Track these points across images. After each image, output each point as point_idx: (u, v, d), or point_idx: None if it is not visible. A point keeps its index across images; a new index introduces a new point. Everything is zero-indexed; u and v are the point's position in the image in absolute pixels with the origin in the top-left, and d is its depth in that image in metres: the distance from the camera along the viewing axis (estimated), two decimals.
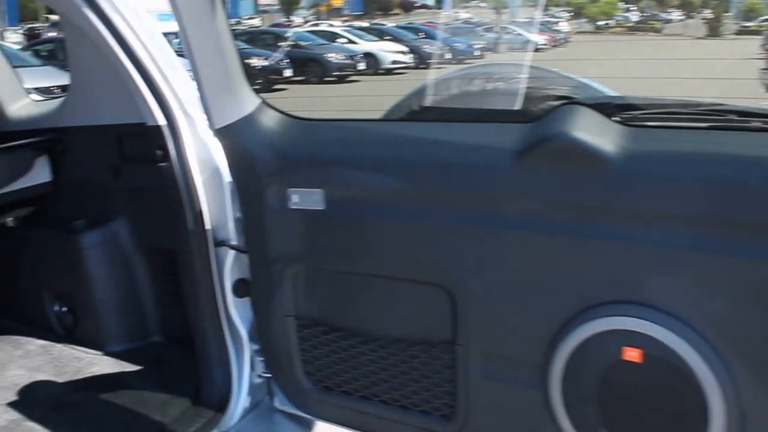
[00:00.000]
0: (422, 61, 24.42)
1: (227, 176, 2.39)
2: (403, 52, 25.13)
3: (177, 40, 2.67)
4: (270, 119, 2.20)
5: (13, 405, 2.71)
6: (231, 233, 2.44)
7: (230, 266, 2.48)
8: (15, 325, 3.40)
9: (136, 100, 2.49)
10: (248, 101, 2.19)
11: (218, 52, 2.11)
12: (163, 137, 2.48)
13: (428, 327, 2.09)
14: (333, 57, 22.54)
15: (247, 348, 2.55)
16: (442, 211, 1.96)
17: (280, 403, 2.55)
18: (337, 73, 22.22)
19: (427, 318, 2.09)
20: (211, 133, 2.31)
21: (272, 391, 2.58)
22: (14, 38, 30.83)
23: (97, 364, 3.00)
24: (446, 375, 2.09)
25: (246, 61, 14.40)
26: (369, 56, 24.15)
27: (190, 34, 2.09)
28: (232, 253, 2.46)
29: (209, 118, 2.20)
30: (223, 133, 2.21)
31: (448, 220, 1.96)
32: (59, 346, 3.17)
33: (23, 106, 3.34)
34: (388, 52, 25.05)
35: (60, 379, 2.89)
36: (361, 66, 23.41)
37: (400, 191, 2.02)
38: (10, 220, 3.50)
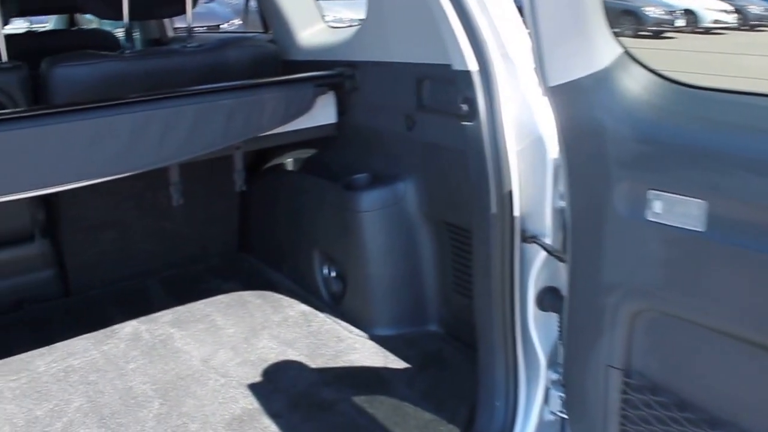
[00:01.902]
0: (745, 22, 22.07)
1: (553, 151, 1.75)
2: (726, 11, 22.73)
3: None
4: (634, 80, 1.47)
5: (254, 388, 2.31)
6: (546, 228, 1.82)
7: (538, 270, 1.89)
8: (282, 282, 3.04)
9: (443, 35, 1.90)
10: (605, 51, 1.48)
11: None
12: (472, 86, 1.87)
13: None
14: (651, 11, 20.91)
15: (543, 376, 1.96)
16: None
17: None
18: (653, 28, 20.61)
19: None
20: (539, 89, 1.63)
21: None
22: None
23: (359, 350, 2.51)
24: None
25: None
26: (689, 13, 22.10)
27: None
28: (542, 253, 1.83)
29: (542, 70, 1.52)
30: (561, 92, 1.51)
31: None
32: (321, 316, 2.74)
33: (316, 33, 2.91)
34: (711, 10, 22.75)
35: (313, 364, 2.44)
36: (679, 23, 21.50)
37: None
38: (289, 162, 3.12)
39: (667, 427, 1.54)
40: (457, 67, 1.90)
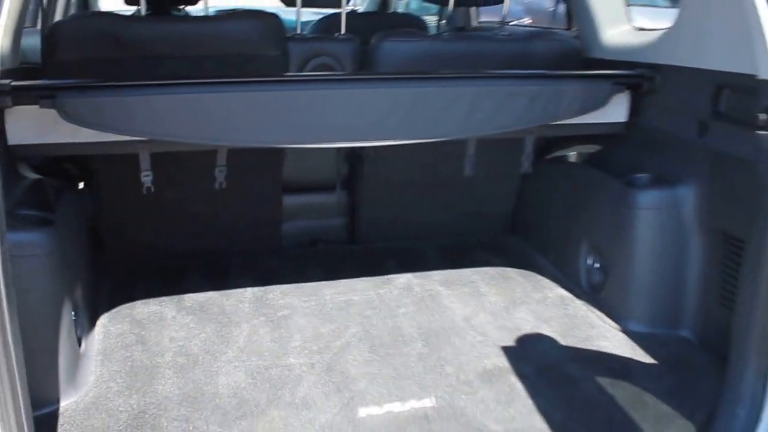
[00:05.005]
0: None
1: None
2: None
3: None
4: None
5: (507, 350, 2.51)
6: None
7: None
8: (545, 266, 3.21)
9: (754, 44, 1.94)
10: None
11: None
12: None
13: None
14: None
15: None
16: None
17: None
18: None
19: None
20: None
21: None
22: None
23: (609, 339, 2.61)
24: None
25: None
26: None
27: None
28: None
29: None
30: None
31: None
32: (578, 302, 2.87)
33: (620, 34, 3.00)
34: None
35: (564, 342, 2.58)
36: None
37: None
38: (572, 155, 3.26)
39: None
40: (762, 75, 1.94)
